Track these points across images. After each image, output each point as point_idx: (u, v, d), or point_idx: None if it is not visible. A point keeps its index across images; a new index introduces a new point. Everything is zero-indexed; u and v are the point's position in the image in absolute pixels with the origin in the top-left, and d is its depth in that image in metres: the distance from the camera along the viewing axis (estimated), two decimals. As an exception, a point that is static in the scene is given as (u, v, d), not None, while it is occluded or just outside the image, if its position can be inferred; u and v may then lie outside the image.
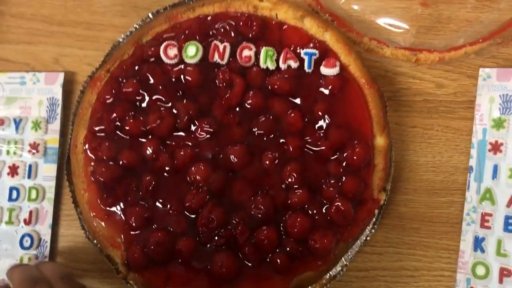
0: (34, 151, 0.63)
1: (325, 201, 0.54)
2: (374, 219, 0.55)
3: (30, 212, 0.62)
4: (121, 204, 0.55)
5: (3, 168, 0.63)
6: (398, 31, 0.64)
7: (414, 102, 0.63)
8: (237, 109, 0.57)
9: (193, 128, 0.56)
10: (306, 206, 0.54)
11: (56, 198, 0.63)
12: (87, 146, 0.57)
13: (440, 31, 0.65)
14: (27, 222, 0.62)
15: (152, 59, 0.58)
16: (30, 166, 0.63)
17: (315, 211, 0.53)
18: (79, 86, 0.66)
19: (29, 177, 0.63)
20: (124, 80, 0.58)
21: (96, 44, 0.67)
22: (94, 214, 0.56)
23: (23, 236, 0.62)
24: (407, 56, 0.62)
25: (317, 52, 0.56)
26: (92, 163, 0.57)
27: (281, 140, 0.56)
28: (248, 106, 0.56)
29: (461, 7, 0.65)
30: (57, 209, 0.63)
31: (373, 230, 0.56)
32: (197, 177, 0.55)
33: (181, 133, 0.57)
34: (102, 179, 0.55)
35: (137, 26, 0.62)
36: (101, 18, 0.68)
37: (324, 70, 0.56)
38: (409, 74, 0.64)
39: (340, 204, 0.53)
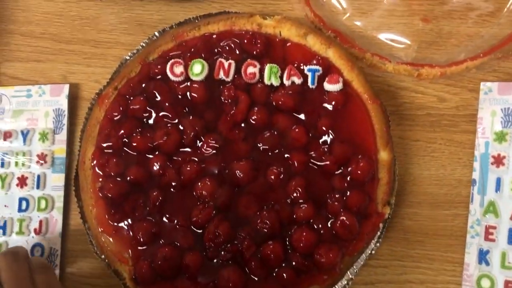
0: (42, 161, 0.64)
1: (330, 216, 0.55)
2: (379, 233, 0.56)
3: (40, 222, 0.63)
4: (129, 220, 0.56)
5: (12, 179, 0.64)
6: (399, 46, 0.65)
7: (417, 116, 0.64)
8: (242, 125, 0.58)
9: (199, 144, 0.57)
10: (311, 220, 0.54)
11: (64, 209, 0.64)
12: (95, 162, 0.58)
13: (441, 46, 0.66)
14: (37, 231, 0.63)
15: (159, 77, 0.59)
16: (38, 177, 0.64)
17: (320, 226, 0.54)
18: (85, 101, 0.67)
19: (37, 187, 0.64)
20: (132, 98, 0.59)
21: (103, 61, 0.69)
22: (102, 229, 0.57)
23: (34, 246, 0.62)
24: (409, 71, 0.63)
25: (320, 68, 0.57)
26: (100, 179, 0.58)
27: (285, 155, 0.57)
28: (253, 122, 0.57)
29: (462, 22, 0.66)
30: (65, 223, 0.64)
31: (378, 244, 0.56)
32: (203, 192, 0.55)
33: (188, 149, 0.58)
34: (110, 195, 0.56)
35: (144, 44, 0.63)
36: (108, 36, 0.70)
37: (328, 86, 0.57)
38: (412, 88, 0.65)
39: (345, 218, 0.53)
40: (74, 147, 0.66)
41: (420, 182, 0.62)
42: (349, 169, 0.55)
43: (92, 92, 0.68)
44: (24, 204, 0.64)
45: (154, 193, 0.56)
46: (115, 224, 0.56)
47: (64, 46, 0.70)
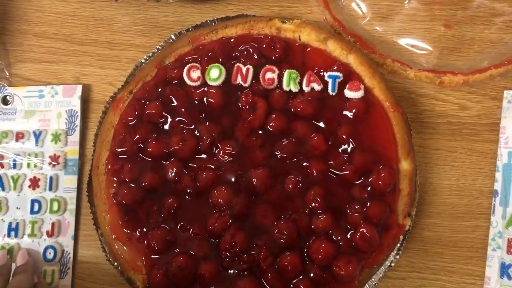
0: (55, 163, 0.63)
1: (349, 227, 0.53)
2: (398, 245, 0.55)
3: (53, 224, 0.62)
4: (143, 227, 0.55)
5: (24, 181, 0.63)
6: (420, 52, 0.64)
7: (438, 124, 0.63)
8: (260, 131, 0.56)
9: (215, 150, 0.56)
10: (330, 231, 0.53)
11: (77, 212, 0.63)
12: (109, 167, 0.57)
13: (463, 53, 0.64)
14: (50, 234, 0.62)
15: (175, 82, 0.58)
16: (51, 178, 0.63)
17: (339, 237, 0.52)
18: (97, 103, 0.66)
19: (50, 189, 0.63)
20: (147, 102, 0.58)
21: (117, 63, 0.68)
22: (115, 236, 0.55)
23: (46, 248, 0.62)
24: (431, 78, 0.61)
25: (341, 75, 0.56)
26: (114, 185, 0.57)
27: (304, 164, 0.55)
28: (271, 129, 0.56)
29: (485, 28, 0.64)
30: (77, 228, 0.63)
31: (397, 256, 0.55)
32: (220, 200, 0.54)
33: (204, 156, 0.56)
34: (124, 202, 0.55)
35: (160, 47, 0.62)
36: (122, 37, 0.68)
37: (348, 93, 0.56)
38: (432, 95, 0.63)
39: (365, 230, 0.52)
40: (86, 149, 0.65)
41: (440, 192, 0.61)
42: (370, 179, 0.53)
43: (105, 95, 0.67)
44: (36, 206, 0.63)
45: (169, 200, 0.55)
46: (129, 231, 0.55)
47: (77, 47, 0.69)
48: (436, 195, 0.61)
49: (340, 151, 0.55)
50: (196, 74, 0.57)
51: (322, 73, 0.57)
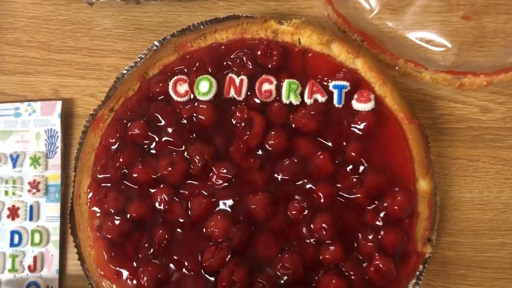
0: (35, 190, 0.58)
1: (362, 258, 0.47)
2: (418, 272, 0.49)
3: (35, 258, 0.57)
4: (132, 263, 0.49)
5: (2, 210, 0.58)
6: (436, 49, 0.57)
7: (457, 130, 0.56)
8: (258, 151, 0.50)
9: (208, 174, 0.50)
10: (340, 264, 0.47)
11: (61, 244, 0.57)
12: (90, 196, 0.51)
13: (485, 47, 0.57)
14: (32, 269, 0.57)
15: (161, 97, 0.51)
16: (31, 207, 0.58)
17: (351, 272, 0.47)
18: (80, 118, 0.60)
19: (30, 219, 0.58)
20: (130, 121, 0.51)
21: (99, 72, 0.61)
22: (102, 273, 0.50)
23: (28, 285, 0.56)
24: (449, 80, 0.54)
25: (347, 84, 0.49)
26: (98, 214, 0.51)
27: (309, 187, 0.49)
28: (270, 148, 0.50)
29: (509, 18, 0.57)
30: (62, 257, 0.58)
31: (416, 286, 0.49)
32: (215, 231, 0.48)
33: (196, 180, 0.50)
34: (109, 236, 0.49)
35: (142, 56, 0.55)
36: (102, 43, 0.62)
37: (357, 104, 0.49)
38: (450, 97, 0.57)
39: (380, 262, 0.46)
40: (69, 171, 0.59)
41: (461, 207, 0.55)
42: (384, 204, 0.47)
43: (87, 108, 0.60)
44: (16, 237, 0.57)
45: (159, 232, 0.49)
46: (117, 268, 0.49)
47: (54, 56, 0.62)
48: (457, 210, 0.55)
49: (349, 171, 0.49)
50: (183, 88, 0.51)
51: (326, 82, 0.50)
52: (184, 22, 0.61)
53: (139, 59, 0.55)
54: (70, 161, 0.59)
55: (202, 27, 0.54)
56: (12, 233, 0.57)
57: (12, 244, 0.57)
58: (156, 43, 0.55)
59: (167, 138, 0.51)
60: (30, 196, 0.58)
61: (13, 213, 0.57)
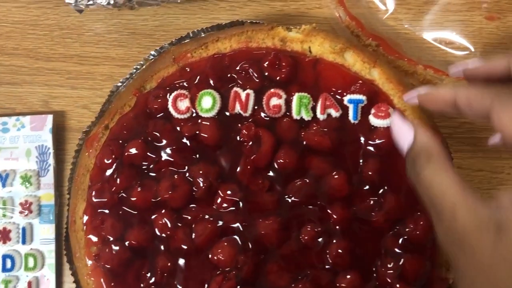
0: (27, 211, 0.54)
1: (381, 287, 0.44)
2: (440, 299, 0.45)
3: (29, 283, 0.54)
4: (134, 294, 0.46)
5: (-8, 233, 0.54)
6: (457, 52, 0.52)
7: (479, 140, 0.52)
8: (267, 171, 0.46)
9: (213, 197, 0.46)
10: (358, 294, 0.44)
11: (57, 267, 0.54)
12: (86, 221, 0.47)
13: (510, 49, 0.53)
14: (27, 295, 0.53)
15: (160, 114, 0.47)
16: (23, 229, 0.54)
17: (370, 303, 0.43)
18: (72, 132, 0.56)
19: (23, 242, 0.54)
20: (127, 141, 0.47)
21: (91, 81, 0.57)
22: (102, 302, 0.47)
23: (23, 312, 0.53)
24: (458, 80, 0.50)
25: (364, 98, 0.45)
26: (95, 241, 0.47)
27: (323, 210, 0.45)
28: (280, 168, 0.46)
29: (536, 16, 0.52)
30: (59, 281, 0.54)
31: (440, 314, 0.46)
32: (222, 258, 0.45)
33: (199, 204, 0.46)
34: (108, 266, 0.46)
35: (138, 67, 0.51)
36: (94, 49, 0.57)
37: (374, 120, 0.45)
38: (472, 104, 0.52)
39: (401, 292, 0.43)
40: (63, 189, 0.55)
41: (485, 223, 0.51)
42: (406, 229, 0.43)
43: (80, 121, 0.56)
44: (9, 262, 0.54)
45: (162, 260, 0.46)
46: (117, 300, 0.46)
47: (43, 64, 0.57)
48: (480, 227, 0.51)
49: (366, 193, 0.45)
50: (184, 104, 0.46)
51: (340, 96, 0.45)
52: (182, 25, 0.56)
53: (134, 70, 0.51)
54: (64, 179, 0.55)
55: (202, 34, 0.49)
56: (4, 257, 0.54)
57: (4, 269, 0.53)
58: (153, 52, 0.51)
59: (168, 159, 0.47)
60: (22, 218, 0.54)
61: (4, 236, 0.54)
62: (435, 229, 0.35)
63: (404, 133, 0.39)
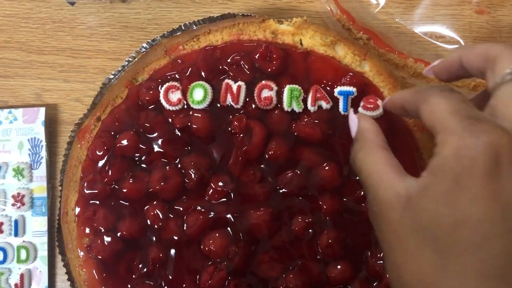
0: (19, 204, 0.54)
1: (372, 277, 0.44)
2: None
3: (22, 276, 0.54)
4: (125, 284, 0.46)
5: (-16, 225, 0.54)
6: (447, 46, 0.53)
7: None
8: (258, 163, 0.46)
9: (205, 189, 0.46)
10: (349, 284, 0.44)
11: (49, 259, 0.54)
12: (78, 212, 0.47)
13: (499, 42, 0.53)
14: (19, 287, 0.53)
15: (151, 106, 0.47)
16: (16, 222, 0.54)
17: (361, 293, 0.44)
18: (65, 125, 0.56)
19: (16, 234, 0.54)
20: (119, 132, 0.47)
21: (84, 74, 0.57)
22: (93, 294, 0.47)
23: (16, 304, 0.53)
24: (463, 81, 0.50)
25: (354, 89, 0.45)
26: (87, 232, 0.47)
27: (314, 201, 0.45)
28: (271, 159, 0.46)
29: (525, 10, 0.53)
30: (52, 273, 0.54)
31: (429, 304, 0.46)
32: (213, 249, 0.45)
33: (191, 195, 0.46)
34: (100, 257, 0.46)
35: (130, 59, 0.51)
36: (87, 42, 0.57)
37: (364, 112, 0.45)
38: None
39: (391, 282, 0.43)
40: (55, 181, 0.55)
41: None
42: (395, 219, 0.44)
43: (73, 114, 0.56)
44: (1, 254, 0.54)
45: (153, 251, 0.46)
46: (109, 291, 0.46)
47: (35, 57, 0.57)
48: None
49: (357, 184, 0.45)
50: (176, 96, 0.46)
51: (331, 88, 0.46)
52: (175, 19, 0.56)
53: (126, 63, 0.51)
54: (56, 171, 0.56)
55: (194, 27, 0.50)
56: (-4, 249, 0.54)
57: (-4, 262, 0.54)
58: (144, 45, 0.51)
59: (160, 150, 0.47)
60: (15, 210, 0.54)
61: (-4, 228, 0.54)
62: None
63: (353, 123, 0.40)
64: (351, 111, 0.42)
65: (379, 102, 0.45)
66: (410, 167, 0.44)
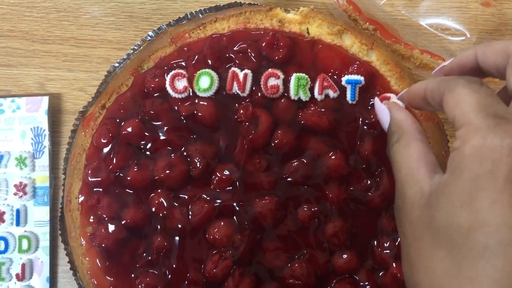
0: (21, 193, 0.53)
1: (378, 267, 0.44)
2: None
3: (23, 265, 0.53)
4: (129, 273, 0.46)
5: (-15, 215, 0.54)
6: (453, 38, 0.53)
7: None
8: (264, 152, 0.46)
9: (210, 177, 0.46)
10: (354, 273, 0.44)
11: (51, 250, 0.54)
12: (82, 200, 0.47)
13: (505, 35, 0.53)
14: (20, 277, 0.53)
15: (157, 93, 0.47)
16: (18, 211, 0.54)
17: (366, 282, 0.43)
18: (68, 114, 0.56)
19: (17, 224, 0.53)
20: (124, 120, 0.47)
21: (88, 64, 0.57)
22: (96, 282, 0.46)
23: (17, 294, 0.53)
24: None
25: (362, 78, 0.45)
26: (91, 220, 0.47)
27: (320, 190, 0.45)
28: (277, 148, 0.46)
29: (531, 3, 0.53)
30: (54, 264, 0.54)
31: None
32: (218, 238, 0.45)
33: (196, 184, 0.46)
34: (103, 245, 0.45)
35: (136, 47, 0.50)
36: (91, 32, 0.57)
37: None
38: (469, 90, 0.53)
39: (397, 271, 0.43)
40: (58, 171, 0.55)
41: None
42: (401, 208, 0.44)
43: (76, 103, 0.56)
44: (2, 244, 0.53)
45: (158, 240, 0.46)
46: (112, 279, 0.46)
47: (39, 47, 0.57)
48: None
49: (363, 173, 0.45)
50: (182, 83, 0.46)
51: (338, 77, 0.46)
52: (180, 9, 0.56)
53: (132, 51, 0.51)
54: (59, 161, 0.55)
55: (200, 15, 0.49)
56: (-2, 239, 0.53)
57: (-2, 251, 0.53)
58: (150, 33, 0.51)
59: (165, 138, 0.47)
60: (17, 200, 0.53)
61: (-2, 217, 0.53)
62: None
63: (383, 114, 0.39)
64: (377, 100, 0.41)
65: (394, 99, 0.43)
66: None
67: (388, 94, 0.43)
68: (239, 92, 0.46)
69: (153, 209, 0.46)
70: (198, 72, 0.46)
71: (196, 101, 0.46)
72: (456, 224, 0.29)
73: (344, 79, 0.45)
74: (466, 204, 0.28)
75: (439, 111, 0.36)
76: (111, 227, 0.46)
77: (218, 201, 0.46)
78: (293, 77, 0.45)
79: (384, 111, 0.39)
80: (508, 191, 0.28)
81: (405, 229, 0.33)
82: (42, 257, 0.53)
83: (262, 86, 0.46)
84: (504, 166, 0.28)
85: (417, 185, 0.32)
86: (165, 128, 0.47)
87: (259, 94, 0.46)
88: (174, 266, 0.45)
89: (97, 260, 0.46)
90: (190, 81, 0.46)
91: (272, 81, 0.46)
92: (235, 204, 0.45)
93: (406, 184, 0.33)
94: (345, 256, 0.44)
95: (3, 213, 0.53)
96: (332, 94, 0.45)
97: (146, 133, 0.47)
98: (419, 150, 0.34)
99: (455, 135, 0.32)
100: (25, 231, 0.53)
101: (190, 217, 0.46)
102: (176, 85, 0.46)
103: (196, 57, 0.47)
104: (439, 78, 0.37)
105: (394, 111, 0.38)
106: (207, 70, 0.46)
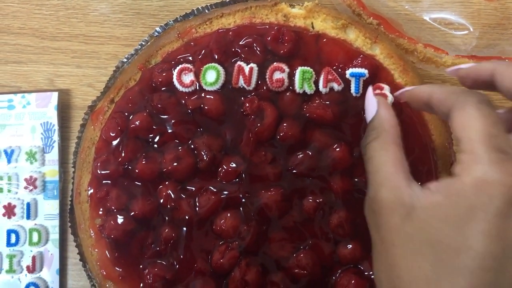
0: (31, 187, 0.54)
1: (382, 257, 0.45)
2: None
3: (33, 258, 0.54)
4: (137, 264, 0.47)
5: (-3, 208, 0.55)
6: (456, 32, 0.53)
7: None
8: (270, 144, 0.47)
9: (217, 169, 0.47)
10: (359, 263, 0.45)
11: (61, 242, 0.55)
12: (91, 193, 0.48)
13: (508, 30, 0.54)
14: (31, 269, 0.54)
15: (164, 88, 0.48)
16: (28, 205, 0.55)
17: (371, 271, 0.44)
18: (77, 110, 0.57)
19: (28, 217, 0.55)
20: (132, 114, 0.48)
21: (96, 60, 0.58)
22: (105, 273, 0.47)
23: (27, 286, 0.54)
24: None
25: (366, 71, 0.46)
26: (100, 213, 0.48)
27: (325, 181, 0.46)
28: (283, 140, 0.46)
29: (533, -2, 0.53)
30: (63, 256, 0.55)
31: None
32: (225, 229, 0.45)
33: (203, 176, 0.47)
34: (112, 236, 0.46)
35: (143, 43, 0.51)
36: (99, 29, 0.58)
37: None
38: (473, 84, 0.53)
39: (401, 261, 0.43)
40: (68, 166, 0.56)
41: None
42: (405, 199, 0.44)
43: (85, 99, 0.57)
44: (13, 237, 0.54)
45: (165, 231, 0.46)
46: (121, 269, 0.46)
47: (48, 43, 0.58)
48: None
49: (367, 165, 0.45)
50: (188, 77, 0.47)
51: (342, 70, 0.46)
52: (187, 6, 0.57)
53: (139, 47, 0.52)
54: (68, 156, 0.56)
55: (207, 11, 0.50)
56: (9, 232, 0.54)
57: (8, 244, 0.54)
58: (158, 29, 0.51)
59: (172, 131, 0.47)
60: (27, 193, 0.55)
61: (9, 211, 0.54)
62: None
63: (371, 106, 0.40)
64: (370, 90, 0.42)
65: (387, 91, 0.44)
66: (421, 149, 0.45)
67: (382, 85, 0.44)
68: (245, 86, 0.47)
69: (161, 201, 0.47)
70: (204, 67, 0.47)
71: (203, 95, 0.47)
72: (445, 243, 0.31)
73: (348, 72, 0.46)
74: (458, 228, 0.31)
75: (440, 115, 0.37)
76: (120, 219, 0.47)
77: (225, 192, 0.46)
78: (298, 71, 0.46)
79: (372, 103, 0.40)
80: (497, 224, 0.30)
81: (382, 234, 0.34)
82: (52, 249, 0.54)
83: (267, 79, 0.47)
84: (497, 203, 0.30)
85: (396, 192, 0.34)
86: (173, 121, 0.47)
87: (265, 88, 0.47)
88: (181, 256, 0.46)
89: (106, 251, 0.47)
90: (197, 75, 0.47)
91: (277, 75, 0.46)
92: (241, 195, 0.46)
93: (383, 187, 0.34)
94: (349, 246, 0.45)
95: (14, 206, 0.54)
96: (336, 87, 0.46)
97: (154, 127, 0.48)
98: (397, 155, 0.36)
99: (458, 157, 0.33)
100: (35, 224, 0.54)
101: (197, 208, 0.46)
102: (183, 79, 0.47)
103: (203, 51, 0.47)
104: (447, 88, 0.38)
105: (382, 107, 0.39)
106: (213, 64, 0.47)
